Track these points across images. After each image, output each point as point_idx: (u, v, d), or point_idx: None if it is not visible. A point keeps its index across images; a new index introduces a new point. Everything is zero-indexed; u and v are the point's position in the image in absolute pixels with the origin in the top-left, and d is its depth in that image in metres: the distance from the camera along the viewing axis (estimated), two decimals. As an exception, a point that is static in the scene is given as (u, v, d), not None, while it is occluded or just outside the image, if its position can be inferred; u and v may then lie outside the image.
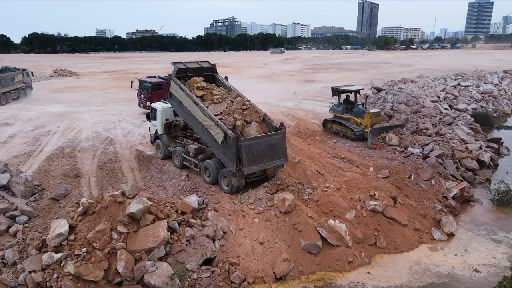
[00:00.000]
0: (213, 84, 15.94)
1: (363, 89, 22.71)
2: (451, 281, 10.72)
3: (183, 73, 15.89)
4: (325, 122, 22.07)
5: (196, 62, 16.98)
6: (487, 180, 17.77)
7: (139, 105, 26.49)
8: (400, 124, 20.83)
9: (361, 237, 12.07)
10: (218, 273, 10.56)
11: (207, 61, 17.21)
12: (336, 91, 21.62)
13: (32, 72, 37.88)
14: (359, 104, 21.19)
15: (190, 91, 14.76)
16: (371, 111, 20.03)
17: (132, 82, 27.32)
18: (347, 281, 10.73)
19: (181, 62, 16.33)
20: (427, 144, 18.16)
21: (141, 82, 26.40)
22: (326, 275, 10.96)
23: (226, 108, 14.14)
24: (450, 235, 12.96)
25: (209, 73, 16.60)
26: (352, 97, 22.08)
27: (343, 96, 21.97)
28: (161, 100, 18.45)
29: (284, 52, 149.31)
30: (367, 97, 23.84)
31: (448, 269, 11.20)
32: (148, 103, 25.16)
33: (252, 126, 13.52)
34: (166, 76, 26.62)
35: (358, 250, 11.76)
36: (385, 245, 12.10)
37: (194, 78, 15.69)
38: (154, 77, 27.23)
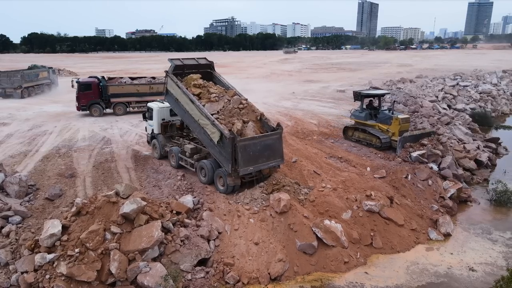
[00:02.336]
0: (210, 82, 15.77)
1: (388, 93, 21.12)
2: (450, 281, 10.66)
3: (180, 70, 15.73)
4: (346, 129, 20.33)
5: (194, 58, 16.86)
6: (485, 180, 17.71)
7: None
8: (433, 131, 18.91)
9: (357, 237, 11.99)
10: (213, 274, 10.48)
11: (205, 58, 17.09)
12: (358, 96, 19.81)
13: (58, 70, 42.13)
14: (385, 110, 19.55)
15: (187, 88, 14.61)
16: (400, 117, 18.17)
17: (72, 81, 27.06)
18: (345, 282, 10.66)
19: (178, 59, 16.20)
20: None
21: (77, 82, 26.34)
22: (322, 275, 10.88)
23: (223, 107, 14.03)
24: (447, 235, 12.88)
25: (207, 70, 16.44)
26: (375, 102, 20.31)
27: (366, 101, 20.15)
28: (156, 100, 18.33)
29: (297, 52, 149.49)
30: (394, 101, 22.19)
31: (445, 269, 11.14)
32: (77, 104, 25.41)
33: (249, 126, 13.44)
34: (101, 76, 26.95)
35: (354, 251, 11.68)
36: (381, 246, 12.01)
37: (191, 75, 15.49)
38: (96, 77, 27.19)
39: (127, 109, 26.35)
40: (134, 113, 25.87)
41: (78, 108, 25.68)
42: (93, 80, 26.29)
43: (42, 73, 37.76)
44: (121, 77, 28.37)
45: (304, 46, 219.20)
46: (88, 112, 25.77)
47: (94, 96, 25.52)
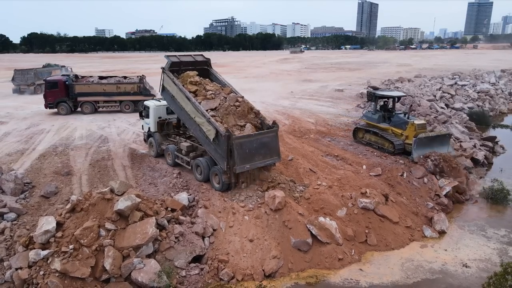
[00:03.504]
0: (207, 79, 15.77)
1: (405, 95, 19.64)
2: (445, 277, 10.70)
3: (177, 67, 15.70)
4: (356, 130, 19.40)
5: (190, 55, 16.88)
6: (481, 179, 17.71)
7: None
8: (449, 133, 17.77)
9: (351, 234, 12.02)
10: (207, 271, 10.51)
11: (201, 55, 17.11)
12: (373, 96, 18.64)
13: (71, 68, 42.93)
14: (400, 113, 18.46)
15: (183, 85, 14.59)
16: (416, 122, 16.91)
17: (45, 80, 27.40)
18: (340, 278, 10.69)
19: (175, 55, 16.18)
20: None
21: (44, 80, 26.69)
22: (317, 272, 10.91)
23: (219, 104, 14.05)
24: (442, 233, 12.91)
25: (203, 67, 16.43)
26: (390, 104, 19.09)
27: (381, 102, 19.00)
28: (153, 99, 18.35)
29: (303, 51, 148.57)
30: (411, 105, 20.92)
31: (440, 265, 11.18)
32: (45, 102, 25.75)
33: (247, 126, 13.45)
34: (69, 76, 27.17)
35: (349, 248, 11.71)
36: (375, 243, 12.04)
37: (188, 72, 15.46)
38: (69, 75, 27.52)
39: (99, 109, 26.45)
40: (103, 112, 26.09)
41: (46, 106, 25.93)
42: (59, 78, 26.70)
43: (55, 71, 38.92)
44: (90, 76, 28.50)
45: (303, 46, 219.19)
46: (69, 111, 26.09)
47: (61, 95, 25.73)
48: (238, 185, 13.15)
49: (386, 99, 18.97)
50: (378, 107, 18.87)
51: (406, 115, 17.94)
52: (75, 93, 25.79)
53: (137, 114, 20.49)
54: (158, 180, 14.52)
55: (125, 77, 28.10)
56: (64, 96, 25.71)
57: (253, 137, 12.92)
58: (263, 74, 54.36)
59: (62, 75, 28.87)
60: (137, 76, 27.59)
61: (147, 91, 25.94)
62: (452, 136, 20.38)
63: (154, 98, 24.22)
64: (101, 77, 27.84)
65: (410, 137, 16.75)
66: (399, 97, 18.86)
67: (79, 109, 26.36)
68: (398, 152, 16.98)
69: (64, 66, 42.39)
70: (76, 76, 27.25)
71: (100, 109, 26.28)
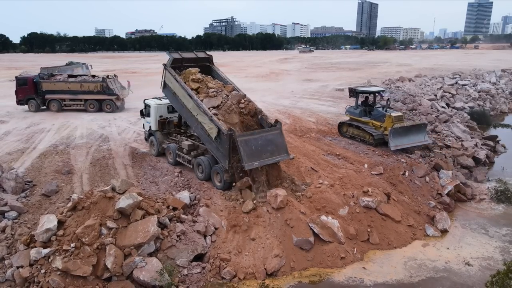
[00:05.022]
0: (209, 76, 15.66)
1: (384, 90, 20.97)
2: (449, 275, 10.67)
3: (178, 63, 15.61)
4: (341, 125, 20.39)
5: (192, 52, 16.76)
6: (483, 178, 17.65)
7: None
8: (424, 123, 18.58)
9: (353, 233, 11.98)
10: (209, 269, 10.48)
11: (204, 51, 17.05)
12: (353, 92, 19.94)
13: (91, 65, 45.62)
14: (379, 107, 19.53)
15: (185, 82, 14.49)
16: (393, 114, 18.05)
17: (16, 78, 27.84)
18: (344, 277, 10.64)
19: (177, 52, 16.12)
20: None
21: (15, 77, 27.26)
22: (320, 271, 10.86)
23: (221, 102, 13.95)
24: (444, 232, 12.88)
25: (205, 64, 16.35)
26: (371, 99, 20.36)
27: (362, 97, 20.26)
28: (154, 98, 18.28)
29: (313, 51, 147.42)
30: (389, 99, 22.10)
31: (443, 264, 11.15)
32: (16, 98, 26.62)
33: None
34: (40, 74, 27.69)
35: (351, 246, 11.67)
36: (378, 241, 12.01)
37: (190, 69, 15.33)
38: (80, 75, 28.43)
39: (64, 107, 26.76)
40: (70, 110, 26.40)
41: (17, 102, 26.79)
42: (28, 76, 27.37)
43: (77, 69, 41.04)
44: (61, 75, 28.86)
45: (303, 46, 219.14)
46: (45, 107, 26.72)
47: (30, 92, 26.51)
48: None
49: (367, 94, 20.17)
50: (359, 102, 19.94)
51: (384, 109, 18.94)
52: (42, 90, 26.50)
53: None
54: (159, 178, 14.48)
55: (93, 76, 28.44)
56: (33, 93, 26.53)
57: (257, 135, 12.78)
58: (263, 74, 54.31)
59: (79, 75, 29.10)
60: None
61: (111, 90, 26.14)
62: (453, 135, 20.40)
63: (117, 98, 25.88)
64: (70, 76, 28.30)
65: (388, 128, 17.58)
66: (378, 92, 19.98)
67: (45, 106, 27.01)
68: (378, 143, 17.99)
69: (84, 64, 44.40)
70: (48, 75, 27.99)
71: (66, 107, 26.76)
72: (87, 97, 26.22)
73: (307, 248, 11.27)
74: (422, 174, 15.37)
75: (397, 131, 17.12)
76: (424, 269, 10.95)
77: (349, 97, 20.80)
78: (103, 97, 25.99)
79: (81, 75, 28.49)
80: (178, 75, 14.77)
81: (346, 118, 20.60)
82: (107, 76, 26.98)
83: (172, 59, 15.34)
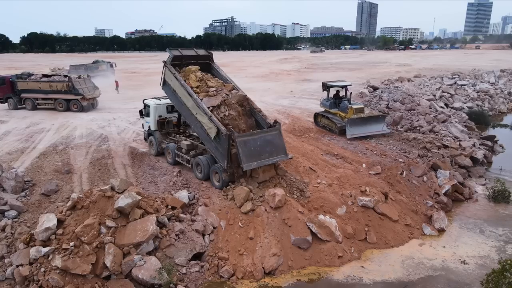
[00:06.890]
0: (209, 74, 15.68)
1: (350, 85, 22.91)
2: (447, 274, 10.77)
3: (179, 61, 15.57)
4: (316, 115, 22.63)
5: (193, 49, 16.74)
6: (480, 177, 17.75)
7: None
8: (381, 114, 20.76)
9: (351, 232, 12.07)
10: (207, 268, 10.56)
11: (204, 49, 17.08)
12: (325, 86, 22.30)
13: (115, 63, 50.49)
14: (345, 99, 21.67)
15: (185, 80, 14.50)
16: (354, 106, 20.31)
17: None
18: (343, 275, 10.72)
19: (177, 49, 16.01)
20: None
21: None
22: (318, 269, 10.94)
23: (221, 102, 13.97)
24: (441, 231, 12.96)
25: (205, 62, 16.33)
26: (342, 92, 22.51)
27: (333, 91, 22.61)
28: (153, 97, 18.35)
29: (324, 51, 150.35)
30: (351, 93, 23.96)
31: (440, 262, 11.24)
32: None
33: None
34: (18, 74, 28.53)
35: (348, 246, 11.76)
36: (375, 241, 12.09)
37: (190, 67, 15.32)
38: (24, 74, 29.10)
39: (38, 106, 27.44)
40: (44, 109, 27.05)
41: None
42: (6, 76, 28.41)
43: (101, 66, 45.73)
44: (36, 74, 29.47)
45: (303, 46, 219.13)
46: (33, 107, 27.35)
47: (8, 91, 27.68)
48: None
49: (336, 88, 22.41)
50: (331, 95, 22.38)
51: (348, 101, 21.27)
52: (18, 89, 27.43)
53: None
54: (158, 178, 14.56)
55: (65, 76, 28.77)
56: (10, 92, 27.61)
57: (256, 135, 12.87)
58: (263, 74, 54.35)
59: (52, 75, 29.47)
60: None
61: (76, 90, 26.46)
62: (451, 135, 20.46)
63: (83, 98, 26.26)
64: (44, 75, 28.79)
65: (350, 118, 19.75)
66: (346, 86, 22.02)
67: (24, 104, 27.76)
68: (341, 132, 19.92)
69: (109, 62, 48.15)
70: (27, 74, 28.72)
71: (39, 106, 27.44)
72: (56, 97, 26.88)
73: (305, 247, 11.36)
74: (419, 174, 15.44)
75: (354, 121, 19.49)
76: (421, 268, 11.04)
77: (322, 91, 22.80)
78: (70, 97, 26.55)
79: (54, 75, 29.08)
80: (178, 73, 14.73)
81: (321, 109, 22.56)
82: (79, 76, 27.76)
83: (172, 56, 15.29)
